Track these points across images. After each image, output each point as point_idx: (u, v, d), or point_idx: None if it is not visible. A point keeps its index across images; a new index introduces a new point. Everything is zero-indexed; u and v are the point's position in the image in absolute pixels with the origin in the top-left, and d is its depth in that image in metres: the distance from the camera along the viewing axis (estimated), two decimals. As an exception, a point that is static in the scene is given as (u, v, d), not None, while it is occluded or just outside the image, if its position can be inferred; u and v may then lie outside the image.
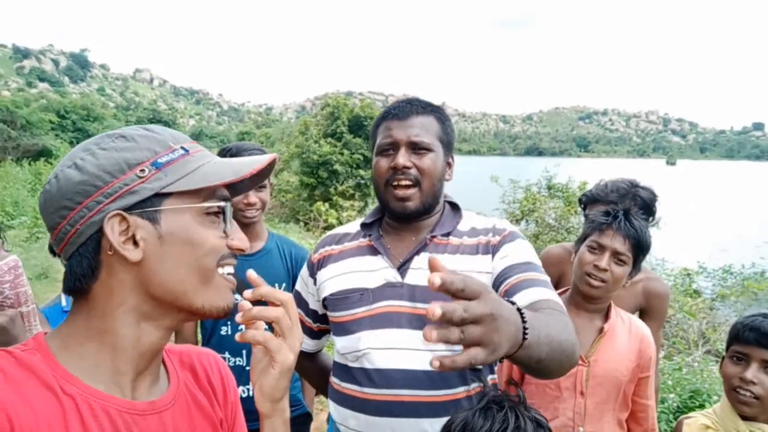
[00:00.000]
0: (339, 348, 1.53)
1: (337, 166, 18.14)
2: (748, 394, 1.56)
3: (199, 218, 0.80)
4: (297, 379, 2.32)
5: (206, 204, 0.80)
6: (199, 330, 2.35)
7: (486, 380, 1.50)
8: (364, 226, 1.60)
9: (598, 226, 1.83)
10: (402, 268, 1.49)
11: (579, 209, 2.54)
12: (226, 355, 2.14)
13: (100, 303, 0.79)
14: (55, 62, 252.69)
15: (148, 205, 0.76)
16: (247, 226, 2.20)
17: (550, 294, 1.35)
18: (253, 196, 2.13)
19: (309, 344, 1.74)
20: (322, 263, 1.62)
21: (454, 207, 1.61)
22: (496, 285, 1.42)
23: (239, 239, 0.84)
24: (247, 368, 2.17)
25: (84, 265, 0.77)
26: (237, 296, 0.84)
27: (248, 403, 0.95)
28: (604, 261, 1.77)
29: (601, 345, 1.82)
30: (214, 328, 2.23)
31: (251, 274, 0.83)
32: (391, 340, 1.44)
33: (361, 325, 1.48)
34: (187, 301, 0.80)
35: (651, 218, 2.34)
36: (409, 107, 1.51)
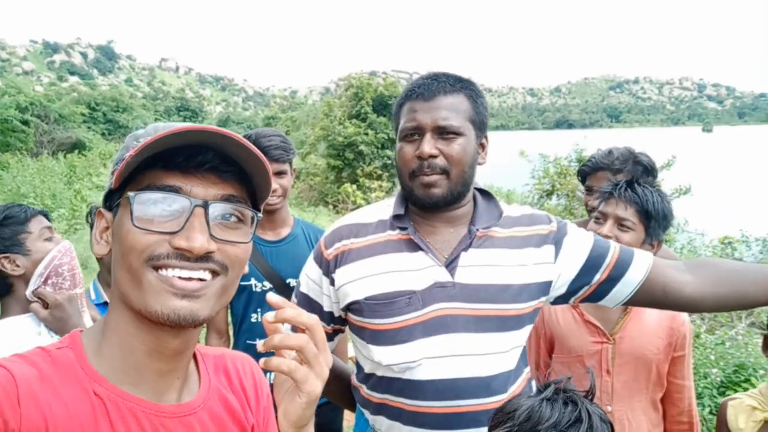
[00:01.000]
0: (380, 359, 1.33)
1: (362, 147, 18.07)
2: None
3: (129, 211, 0.73)
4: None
5: (130, 193, 0.73)
6: (229, 317, 2.36)
7: (524, 373, 1.44)
8: (396, 218, 1.40)
9: (603, 196, 1.82)
10: (450, 265, 1.34)
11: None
12: (257, 341, 2.14)
13: (112, 297, 0.80)
14: (84, 55, 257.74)
15: (113, 201, 0.79)
16: (271, 213, 2.19)
17: (645, 256, 1.42)
18: (273, 182, 2.09)
19: None
20: (340, 260, 1.40)
21: (487, 195, 1.47)
22: (581, 280, 1.42)
23: (186, 238, 0.72)
24: None
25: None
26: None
27: None
28: (606, 228, 1.74)
29: (627, 322, 1.78)
30: (244, 315, 2.23)
31: (272, 297, 0.74)
32: (449, 347, 1.30)
33: (413, 333, 1.31)
34: (129, 302, 0.76)
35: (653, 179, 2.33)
36: (435, 85, 1.33)
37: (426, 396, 1.31)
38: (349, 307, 1.39)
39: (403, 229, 1.38)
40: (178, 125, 0.75)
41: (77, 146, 27.23)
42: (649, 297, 1.40)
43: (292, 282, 2.20)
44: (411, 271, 1.34)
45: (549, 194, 9.48)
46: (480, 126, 1.38)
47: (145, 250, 0.72)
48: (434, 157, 1.31)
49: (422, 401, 1.31)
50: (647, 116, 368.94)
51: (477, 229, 1.37)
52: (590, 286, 1.42)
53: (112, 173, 0.79)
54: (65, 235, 10.72)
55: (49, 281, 1.57)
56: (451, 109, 1.32)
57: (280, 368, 0.73)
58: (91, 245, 0.80)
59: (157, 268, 0.73)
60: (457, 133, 1.32)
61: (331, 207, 17.40)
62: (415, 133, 1.34)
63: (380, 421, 1.40)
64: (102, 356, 0.77)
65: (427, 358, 1.31)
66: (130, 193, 0.72)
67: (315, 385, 0.75)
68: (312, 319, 0.76)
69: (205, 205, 0.74)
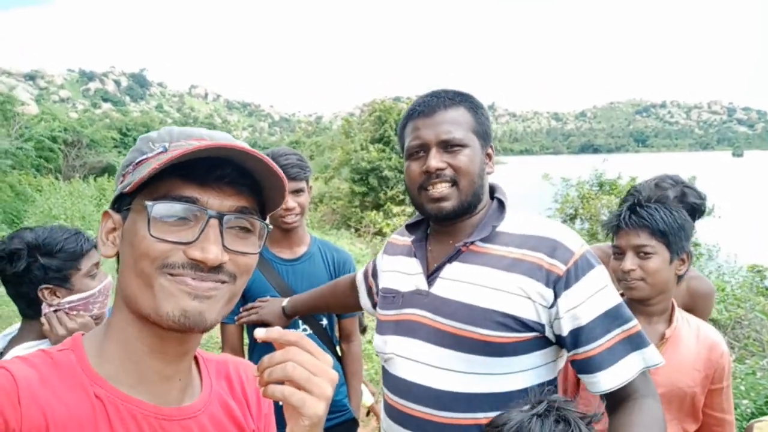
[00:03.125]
0: (375, 342, 1.50)
1: (386, 172, 18.18)
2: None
3: (145, 217, 0.73)
4: (342, 384, 2.29)
5: (148, 202, 0.72)
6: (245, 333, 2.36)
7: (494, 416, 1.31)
8: (410, 226, 1.50)
9: (611, 231, 1.76)
10: (432, 276, 1.37)
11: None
12: (256, 330, 2.15)
13: (116, 300, 0.81)
14: (117, 83, 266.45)
15: (122, 204, 0.78)
16: (288, 231, 2.20)
17: (630, 367, 1.24)
18: (291, 201, 2.11)
19: (367, 304, 1.78)
20: (385, 249, 1.63)
21: (501, 204, 1.41)
22: (569, 342, 1.26)
23: (202, 249, 0.73)
24: None
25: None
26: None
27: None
28: (629, 262, 1.68)
29: (663, 352, 1.67)
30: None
31: (258, 333, 0.74)
32: (412, 350, 1.36)
33: (389, 328, 1.43)
34: (137, 306, 0.76)
35: (698, 216, 2.21)
36: (434, 101, 1.35)
37: (393, 390, 1.40)
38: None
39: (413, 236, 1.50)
40: (196, 132, 0.78)
41: (108, 170, 27.97)
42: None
43: (308, 301, 2.20)
44: (404, 274, 1.46)
45: (572, 218, 9.37)
46: (484, 136, 1.38)
47: (158, 258, 0.73)
48: (442, 169, 1.32)
49: (392, 394, 1.40)
50: (675, 140, 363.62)
51: (466, 243, 1.34)
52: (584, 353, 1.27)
53: (123, 175, 0.81)
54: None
55: (74, 311, 1.55)
56: (453, 123, 1.33)
57: (274, 395, 0.72)
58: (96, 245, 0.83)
59: (169, 275, 0.73)
60: (462, 145, 1.33)
61: (353, 230, 17.46)
62: (421, 150, 1.36)
63: (381, 416, 1.50)
64: (103, 358, 0.78)
65: (396, 355, 1.40)
66: (148, 202, 0.72)
67: (315, 407, 0.72)
68: (297, 335, 0.75)
69: (221, 217, 0.75)
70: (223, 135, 0.83)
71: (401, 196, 18.28)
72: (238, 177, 0.77)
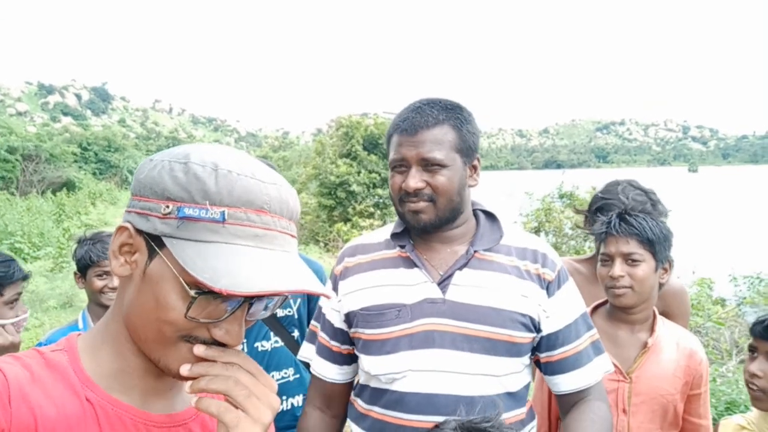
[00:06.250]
0: (369, 369, 1.40)
1: (354, 187, 18.17)
2: (755, 387, 1.54)
3: (181, 289, 0.70)
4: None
5: (184, 282, 0.69)
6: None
7: (525, 405, 1.44)
8: (394, 236, 1.47)
9: (600, 237, 1.80)
10: (443, 283, 1.38)
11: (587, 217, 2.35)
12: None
13: (116, 304, 0.80)
14: (78, 96, 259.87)
15: (154, 239, 0.72)
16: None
17: (594, 371, 1.42)
18: None
19: (335, 372, 1.53)
20: (344, 274, 1.49)
21: (490, 217, 1.50)
22: (545, 344, 1.42)
23: (226, 331, 0.72)
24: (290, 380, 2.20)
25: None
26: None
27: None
28: (617, 268, 1.72)
29: (645, 360, 1.72)
30: (244, 344, 2.20)
31: (197, 350, 0.73)
32: (433, 361, 1.33)
33: (398, 345, 1.36)
34: (144, 347, 0.76)
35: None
36: (418, 118, 1.36)
37: (409, 408, 1.34)
38: (348, 318, 1.46)
39: (402, 246, 1.45)
40: (255, 189, 0.71)
41: (67, 185, 27.19)
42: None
43: (279, 312, 2.18)
44: (404, 285, 1.40)
45: (536, 231, 9.54)
46: (467, 152, 1.41)
47: (183, 330, 0.72)
48: (420, 189, 1.36)
49: (404, 413, 1.34)
50: (634, 157, 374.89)
51: (475, 250, 1.40)
52: (552, 356, 1.44)
53: (152, 199, 0.72)
54: (51, 272, 10.60)
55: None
56: (435, 142, 1.35)
57: (209, 410, 0.70)
58: (109, 258, 0.76)
59: (188, 342, 0.73)
60: (442, 165, 1.35)
61: (322, 245, 17.35)
62: (402, 165, 1.39)
63: None
64: (96, 362, 0.78)
65: (412, 371, 1.34)
66: (192, 293, 0.69)
67: (249, 430, 0.68)
68: (240, 355, 0.73)
69: (252, 301, 0.74)
70: (273, 179, 0.76)
71: (371, 210, 18.30)
72: None
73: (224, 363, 0.72)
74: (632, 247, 1.71)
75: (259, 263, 0.69)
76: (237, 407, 0.69)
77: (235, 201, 0.71)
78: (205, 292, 0.68)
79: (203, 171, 0.71)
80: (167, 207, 0.70)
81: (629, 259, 1.71)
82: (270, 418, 0.70)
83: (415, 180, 1.35)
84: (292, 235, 0.77)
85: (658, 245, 1.71)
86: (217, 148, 0.77)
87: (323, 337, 1.54)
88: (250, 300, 0.73)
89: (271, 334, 2.17)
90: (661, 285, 1.79)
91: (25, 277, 1.76)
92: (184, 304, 0.70)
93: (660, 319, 1.81)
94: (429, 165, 1.36)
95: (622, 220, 1.74)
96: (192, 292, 0.69)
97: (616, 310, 1.79)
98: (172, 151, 0.76)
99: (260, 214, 0.72)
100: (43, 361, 0.75)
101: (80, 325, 2.32)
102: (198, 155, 0.73)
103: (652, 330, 1.77)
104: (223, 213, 0.69)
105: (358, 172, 18.42)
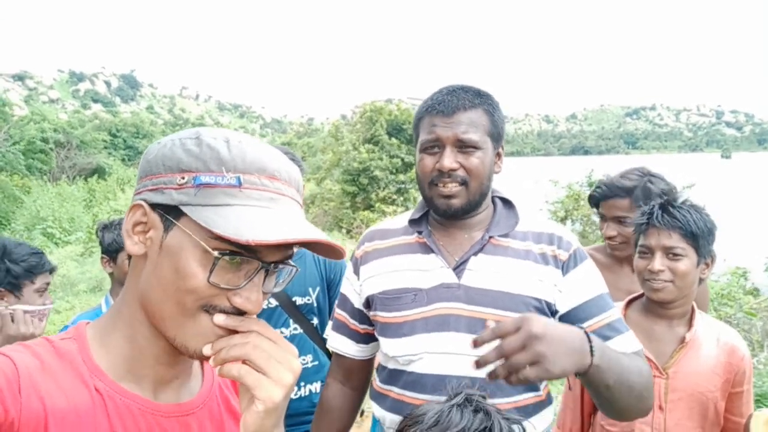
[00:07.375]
0: (387, 350, 1.44)
1: (376, 172, 18.18)
2: None
3: (202, 254, 0.71)
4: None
5: (206, 245, 0.70)
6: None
7: (540, 389, 1.41)
8: (412, 222, 1.50)
9: (639, 229, 1.70)
10: (458, 268, 1.40)
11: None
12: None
13: (128, 288, 0.80)
14: (107, 83, 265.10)
15: (170, 212, 0.73)
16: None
17: (628, 340, 1.36)
18: None
19: (354, 350, 1.58)
20: (365, 259, 1.53)
21: (507, 203, 1.50)
22: (567, 322, 1.34)
23: (246, 299, 0.73)
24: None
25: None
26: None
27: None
28: (657, 262, 1.62)
29: (683, 356, 1.64)
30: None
31: (218, 319, 0.73)
32: (448, 344, 1.36)
33: (415, 328, 1.39)
34: (161, 325, 0.75)
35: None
36: (455, 101, 1.37)
37: (424, 389, 1.37)
38: (368, 301, 1.49)
39: (420, 232, 1.47)
40: (266, 158, 0.73)
41: (97, 171, 27.80)
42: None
43: (298, 300, 2.18)
44: (421, 270, 1.43)
45: (563, 220, 9.40)
46: (497, 138, 1.43)
47: (205, 298, 0.72)
48: (454, 170, 1.36)
49: (420, 394, 1.38)
50: (664, 143, 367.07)
51: (490, 236, 1.41)
52: None
53: (169, 173, 0.73)
54: (81, 257, 10.87)
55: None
56: (471, 124, 1.37)
57: (230, 373, 0.71)
58: (123, 237, 0.76)
59: (208, 313, 0.73)
60: (476, 147, 1.37)
61: (345, 231, 17.44)
62: (435, 146, 1.39)
63: (388, 417, 1.45)
64: (106, 350, 0.77)
65: (428, 353, 1.37)
66: (216, 254, 0.70)
67: (270, 390, 0.69)
68: (260, 323, 0.74)
69: (268, 267, 0.74)
70: (279, 153, 0.78)
71: (393, 196, 18.30)
72: None
73: (243, 333, 0.73)
74: (674, 240, 1.62)
75: (278, 219, 0.71)
76: (258, 371, 0.70)
77: (249, 167, 0.73)
78: (227, 252, 0.70)
79: (216, 142, 0.74)
80: (182, 178, 0.72)
81: (670, 253, 1.62)
82: (291, 380, 0.71)
83: (450, 160, 1.35)
84: (301, 206, 0.79)
85: (701, 239, 1.61)
86: (224, 129, 0.79)
87: (343, 315, 1.59)
88: (266, 266, 0.73)
89: (291, 321, 2.17)
90: (701, 280, 1.69)
91: (53, 270, 1.87)
92: (205, 270, 0.71)
93: (699, 313, 1.71)
94: (464, 146, 1.36)
95: (664, 212, 1.64)
96: (215, 253, 0.69)
97: (652, 304, 1.71)
98: (180, 133, 0.77)
99: (273, 180, 0.74)
100: (52, 350, 0.74)
101: (103, 308, 2.36)
102: (208, 131, 0.76)
103: (690, 324, 1.69)
104: (238, 178, 0.71)
105: (380, 158, 18.41)
